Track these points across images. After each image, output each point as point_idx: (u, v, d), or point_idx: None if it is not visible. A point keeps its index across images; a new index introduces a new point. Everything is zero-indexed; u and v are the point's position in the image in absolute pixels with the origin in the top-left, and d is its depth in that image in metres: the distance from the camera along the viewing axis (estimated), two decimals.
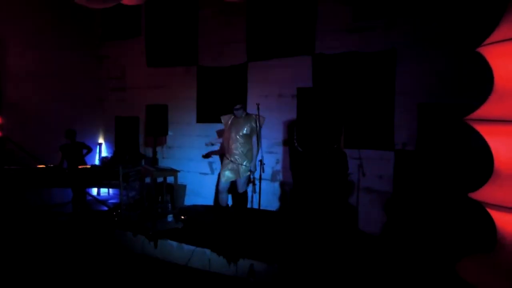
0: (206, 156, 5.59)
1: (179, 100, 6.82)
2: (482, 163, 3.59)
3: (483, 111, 3.30)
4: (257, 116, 4.85)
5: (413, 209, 4.93)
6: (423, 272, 3.82)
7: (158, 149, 6.80)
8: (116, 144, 7.70)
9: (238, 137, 5.00)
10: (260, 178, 4.87)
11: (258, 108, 4.79)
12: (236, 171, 5.04)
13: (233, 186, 5.28)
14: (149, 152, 7.02)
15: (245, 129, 5.00)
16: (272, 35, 5.92)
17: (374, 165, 5.20)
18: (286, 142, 5.90)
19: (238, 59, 6.25)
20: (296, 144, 5.20)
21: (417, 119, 4.91)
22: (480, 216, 3.48)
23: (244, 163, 5.00)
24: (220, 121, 5.36)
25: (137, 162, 6.41)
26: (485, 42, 3.29)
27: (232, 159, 5.02)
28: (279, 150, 5.99)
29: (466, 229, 4.37)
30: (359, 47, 5.25)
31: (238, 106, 5.05)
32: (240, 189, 5.13)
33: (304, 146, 5.16)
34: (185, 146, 6.91)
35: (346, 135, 5.18)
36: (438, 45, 4.74)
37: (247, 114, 5.11)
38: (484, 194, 3.30)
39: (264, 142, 5.16)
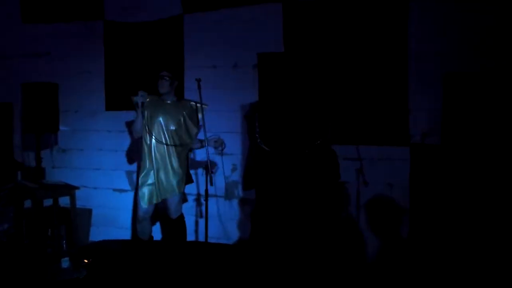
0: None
1: (76, 75, 5.79)
2: None
3: None
4: (197, 104, 4.33)
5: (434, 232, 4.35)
6: None
7: (45, 153, 5.86)
8: None
9: (166, 132, 4.31)
10: (207, 195, 4.20)
11: (199, 86, 4.07)
12: (164, 186, 4.34)
13: (159, 209, 4.68)
14: (30, 158, 5.99)
15: (177, 120, 4.34)
16: None
17: (379, 169, 4.61)
18: (247, 138, 5.17)
19: (168, 10, 5.34)
20: (258, 140, 4.57)
21: (441, 97, 4.25)
22: None
23: (177, 173, 4.34)
24: None
25: (10, 176, 5.69)
26: None
27: (156, 168, 4.31)
28: (237, 150, 5.22)
29: None
30: None
31: (165, 73, 4.30)
32: (173, 213, 4.45)
33: (272, 142, 4.54)
34: (89, 147, 5.93)
35: (337, 124, 4.64)
36: None
37: (180, 100, 4.50)
38: None
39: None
